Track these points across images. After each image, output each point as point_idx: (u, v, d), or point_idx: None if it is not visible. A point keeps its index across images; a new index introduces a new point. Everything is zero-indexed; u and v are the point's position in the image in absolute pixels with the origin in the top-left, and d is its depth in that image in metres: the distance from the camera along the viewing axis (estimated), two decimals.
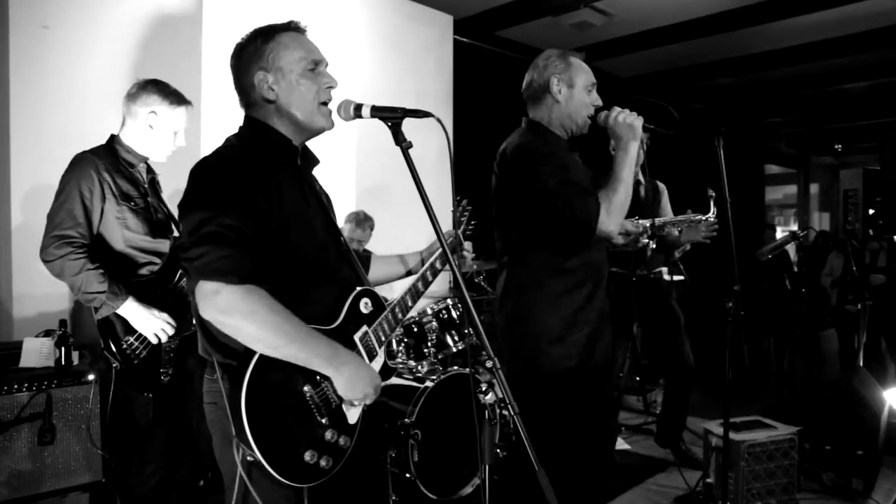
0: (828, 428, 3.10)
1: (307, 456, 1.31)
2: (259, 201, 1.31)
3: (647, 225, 2.77)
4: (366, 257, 1.80)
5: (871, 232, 5.35)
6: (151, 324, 2.16)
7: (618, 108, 1.96)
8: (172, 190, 2.35)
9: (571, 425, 2.03)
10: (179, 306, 2.25)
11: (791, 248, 5.46)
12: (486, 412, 1.52)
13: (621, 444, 3.80)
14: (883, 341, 5.32)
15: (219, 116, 3.31)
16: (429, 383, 2.74)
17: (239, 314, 1.25)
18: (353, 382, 1.35)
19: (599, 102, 2.05)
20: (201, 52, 3.40)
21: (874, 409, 3.11)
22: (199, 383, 1.45)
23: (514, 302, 2.03)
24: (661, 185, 3.55)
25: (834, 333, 6.09)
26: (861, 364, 3.70)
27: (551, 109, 2.04)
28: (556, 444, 1.93)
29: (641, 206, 3.30)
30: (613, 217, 1.89)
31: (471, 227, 1.88)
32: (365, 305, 1.50)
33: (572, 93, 2.02)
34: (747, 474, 2.72)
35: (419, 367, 2.93)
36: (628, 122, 1.92)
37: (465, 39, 5.13)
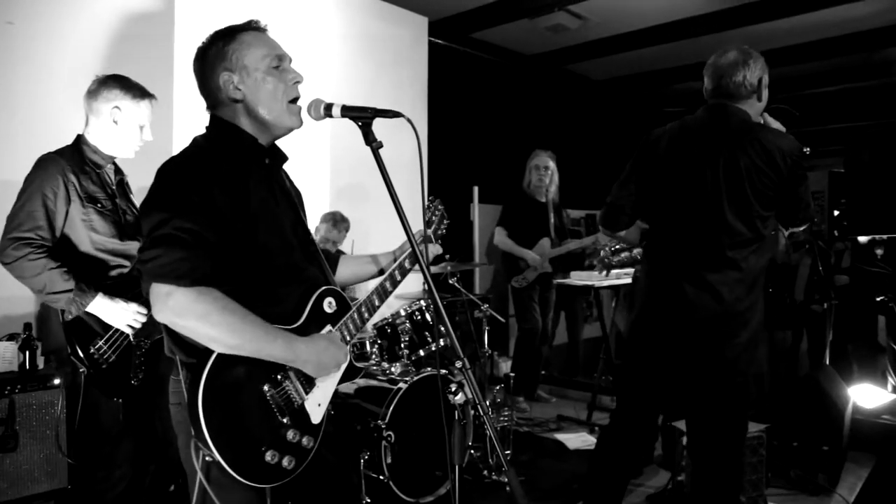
0: (795, 425, 3.17)
1: (268, 456, 1.30)
2: (222, 203, 1.30)
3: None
4: (336, 257, 1.79)
5: (836, 233, 5.46)
6: (123, 315, 2.12)
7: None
8: (140, 188, 2.30)
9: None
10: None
11: None
12: (457, 413, 1.52)
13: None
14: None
15: (190, 114, 3.27)
16: (402, 385, 2.73)
17: (192, 316, 1.24)
18: (319, 368, 1.40)
19: None
20: (173, 49, 3.34)
21: (839, 406, 3.18)
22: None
23: (751, 289, 2.02)
24: None
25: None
26: (827, 362, 3.79)
27: (752, 108, 2.04)
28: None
29: None
30: None
31: (443, 227, 1.88)
32: (329, 305, 1.49)
33: (766, 94, 2.07)
34: None
35: (392, 369, 2.91)
36: (781, 127, 2.09)
37: (440, 41, 5.14)
